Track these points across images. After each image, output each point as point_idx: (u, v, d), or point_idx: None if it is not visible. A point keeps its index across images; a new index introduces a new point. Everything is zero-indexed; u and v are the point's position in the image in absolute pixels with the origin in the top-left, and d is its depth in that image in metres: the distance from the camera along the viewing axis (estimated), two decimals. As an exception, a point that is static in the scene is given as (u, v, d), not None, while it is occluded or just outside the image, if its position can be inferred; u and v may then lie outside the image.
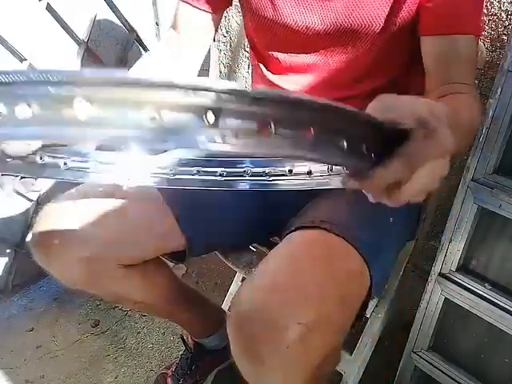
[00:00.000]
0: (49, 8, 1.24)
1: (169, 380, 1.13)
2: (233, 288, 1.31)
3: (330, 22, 0.75)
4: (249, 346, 0.56)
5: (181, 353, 1.17)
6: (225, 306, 1.29)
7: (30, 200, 1.38)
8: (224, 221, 0.87)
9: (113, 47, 1.44)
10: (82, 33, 1.32)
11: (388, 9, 0.70)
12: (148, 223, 0.80)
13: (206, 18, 0.87)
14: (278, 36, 0.81)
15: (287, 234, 0.68)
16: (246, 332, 0.56)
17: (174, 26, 0.90)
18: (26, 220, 1.38)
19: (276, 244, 0.98)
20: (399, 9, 0.70)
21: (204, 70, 1.54)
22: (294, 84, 0.84)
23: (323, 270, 0.59)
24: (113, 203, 0.76)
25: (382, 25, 0.71)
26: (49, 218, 0.75)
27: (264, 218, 0.91)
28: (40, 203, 1.38)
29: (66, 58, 1.33)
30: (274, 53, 0.84)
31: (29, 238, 0.76)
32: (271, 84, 0.87)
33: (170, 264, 0.94)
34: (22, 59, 1.23)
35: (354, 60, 0.77)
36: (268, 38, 0.83)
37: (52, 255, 0.75)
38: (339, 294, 0.58)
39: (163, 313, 1.05)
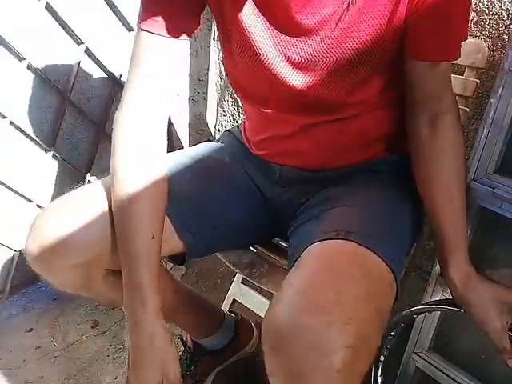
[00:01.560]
0: (48, 7, 1.24)
1: (168, 380, 1.12)
2: (233, 288, 1.31)
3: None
4: (290, 368, 0.54)
5: (180, 353, 1.17)
6: (224, 306, 1.29)
7: (30, 201, 1.38)
8: (224, 223, 0.87)
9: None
10: (81, 34, 1.32)
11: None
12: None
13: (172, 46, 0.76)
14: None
15: (308, 244, 0.66)
16: (287, 353, 0.54)
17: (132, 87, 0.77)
18: (25, 219, 1.38)
19: (276, 245, 0.99)
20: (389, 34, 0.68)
21: (204, 70, 1.54)
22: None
23: (363, 287, 0.58)
24: (106, 208, 0.75)
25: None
26: (41, 226, 0.75)
27: (265, 219, 0.91)
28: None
29: (65, 57, 1.33)
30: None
31: (24, 245, 0.77)
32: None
33: (170, 264, 0.94)
34: (20, 59, 1.23)
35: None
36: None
37: (45, 263, 0.75)
38: (377, 313, 0.58)
39: None
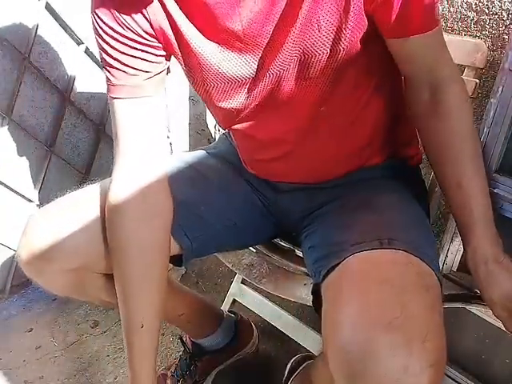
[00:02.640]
0: (48, 7, 1.24)
1: (168, 381, 1.12)
2: (233, 288, 1.31)
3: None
4: None
5: (180, 353, 1.17)
6: (224, 306, 1.29)
7: (30, 201, 1.38)
8: (220, 227, 0.86)
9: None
10: (81, 34, 1.32)
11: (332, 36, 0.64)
12: None
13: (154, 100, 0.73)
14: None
15: (345, 254, 0.62)
16: (368, 380, 0.50)
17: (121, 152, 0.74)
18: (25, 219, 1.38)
19: (276, 245, 0.99)
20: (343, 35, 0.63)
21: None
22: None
23: (426, 298, 0.56)
24: (97, 214, 0.75)
25: (327, 53, 0.65)
26: (32, 232, 0.75)
27: (263, 221, 0.90)
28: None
29: (65, 57, 1.33)
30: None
31: (16, 250, 0.77)
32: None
33: (169, 265, 0.93)
34: (20, 58, 1.23)
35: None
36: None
37: (36, 268, 0.76)
38: (442, 321, 0.56)
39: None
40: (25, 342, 1.32)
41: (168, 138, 1.69)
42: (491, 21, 0.90)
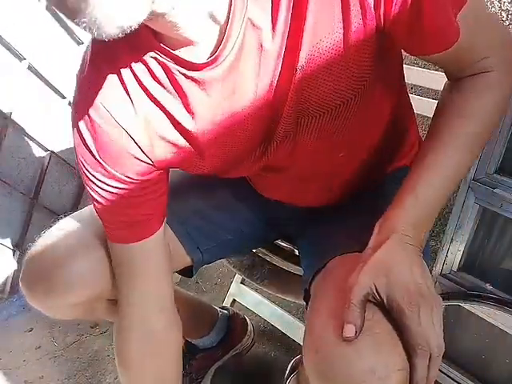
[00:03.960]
0: (49, 8, 1.24)
1: (167, 381, 1.12)
2: (233, 288, 1.31)
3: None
4: None
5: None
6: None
7: (31, 199, 1.38)
8: (230, 235, 0.86)
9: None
10: (82, 35, 1.32)
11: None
12: None
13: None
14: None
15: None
16: (337, 381, 0.50)
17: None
18: (25, 220, 1.38)
19: (277, 246, 0.99)
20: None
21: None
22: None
23: None
24: (97, 240, 0.72)
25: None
26: (35, 264, 0.72)
27: (268, 225, 0.90)
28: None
29: (66, 58, 1.33)
30: None
31: (20, 281, 0.75)
32: None
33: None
34: (21, 59, 1.23)
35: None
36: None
37: (43, 303, 0.74)
38: None
39: None
40: (25, 342, 1.32)
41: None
42: (491, 21, 0.90)
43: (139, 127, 0.60)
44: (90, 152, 0.62)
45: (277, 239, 0.98)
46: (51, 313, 0.77)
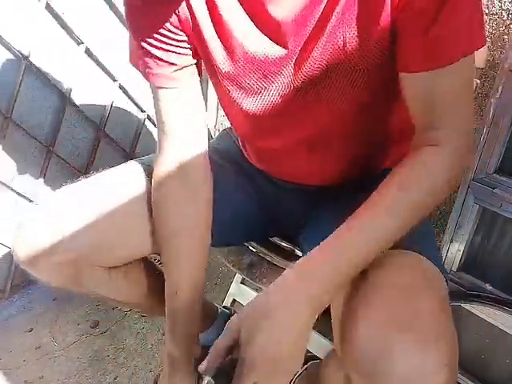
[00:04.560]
0: (48, 7, 1.24)
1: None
2: (232, 288, 1.31)
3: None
4: None
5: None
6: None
7: (30, 200, 1.38)
8: (221, 222, 0.86)
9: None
10: (82, 33, 1.32)
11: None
12: (132, 225, 0.78)
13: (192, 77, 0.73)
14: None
15: None
16: (384, 378, 0.50)
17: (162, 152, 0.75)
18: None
19: (276, 245, 0.99)
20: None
21: (204, 70, 1.54)
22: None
23: (437, 300, 0.55)
24: (92, 206, 0.75)
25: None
26: (27, 224, 0.75)
27: (264, 217, 0.90)
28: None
29: (66, 57, 1.33)
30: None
31: (12, 243, 0.77)
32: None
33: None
34: (20, 58, 1.23)
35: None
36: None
37: (32, 261, 0.75)
38: (452, 322, 0.55)
39: (150, 311, 1.04)
40: (25, 342, 1.32)
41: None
42: (491, 21, 0.90)
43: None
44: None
45: (274, 236, 0.98)
46: (39, 271, 0.78)
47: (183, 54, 0.70)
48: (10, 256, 1.39)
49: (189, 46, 0.70)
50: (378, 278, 0.58)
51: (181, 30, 0.68)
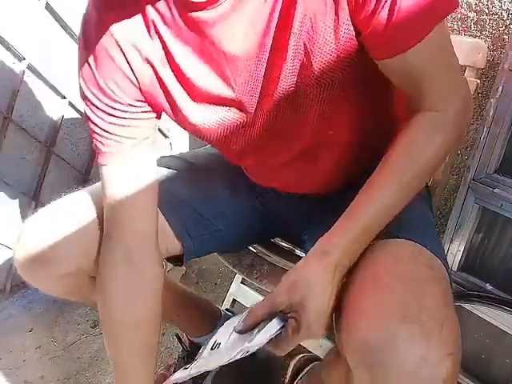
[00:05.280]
0: (48, 7, 1.24)
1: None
2: (233, 288, 1.31)
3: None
4: (393, 382, 0.50)
5: (178, 352, 1.17)
6: (224, 307, 1.29)
7: (30, 200, 1.38)
8: (222, 226, 0.86)
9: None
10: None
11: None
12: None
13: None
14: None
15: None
16: (387, 369, 0.50)
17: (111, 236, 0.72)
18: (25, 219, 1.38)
19: (277, 245, 0.99)
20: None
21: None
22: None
23: (439, 290, 0.56)
24: (90, 219, 0.75)
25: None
26: (27, 237, 0.75)
27: (264, 220, 0.90)
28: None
29: (65, 57, 1.33)
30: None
31: (12, 254, 0.77)
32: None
33: (169, 265, 0.94)
34: (20, 58, 1.23)
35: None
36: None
37: (31, 273, 0.76)
38: (455, 312, 0.55)
39: None
40: (25, 342, 1.32)
41: (168, 137, 1.69)
42: (491, 21, 0.90)
43: (134, 52, 0.63)
44: (93, 73, 0.64)
45: (275, 237, 0.98)
46: (38, 283, 0.78)
47: (144, 127, 0.69)
48: (9, 256, 1.39)
49: (152, 115, 0.70)
50: (379, 268, 0.58)
51: (141, 102, 0.67)
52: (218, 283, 1.50)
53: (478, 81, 0.84)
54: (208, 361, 0.62)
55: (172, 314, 1.03)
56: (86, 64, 0.64)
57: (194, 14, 0.57)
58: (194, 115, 0.68)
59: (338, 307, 0.60)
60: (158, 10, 0.60)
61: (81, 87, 0.67)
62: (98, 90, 0.65)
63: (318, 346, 1.10)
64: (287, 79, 0.61)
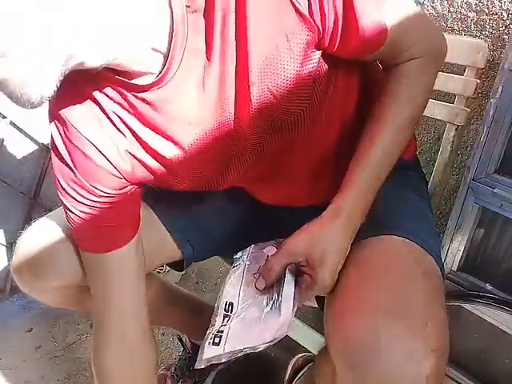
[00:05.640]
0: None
1: (168, 381, 1.12)
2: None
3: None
4: (377, 379, 0.49)
5: (179, 354, 1.17)
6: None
7: (30, 198, 1.38)
8: (222, 232, 0.86)
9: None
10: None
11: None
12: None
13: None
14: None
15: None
16: (370, 365, 0.49)
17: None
18: (25, 219, 1.38)
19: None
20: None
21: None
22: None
23: (427, 286, 0.56)
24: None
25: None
26: (24, 249, 0.75)
27: (262, 225, 0.90)
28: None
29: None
30: None
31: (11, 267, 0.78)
32: None
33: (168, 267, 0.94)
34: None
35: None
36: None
37: (30, 286, 0.76)
38: (444, 310, 0.55)
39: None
40: (25, 342, 1.32)
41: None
42: (491, 21, 0.90)
43: (108, 145, 0.62)
44: (68, 166, 0.63)
45: (274, 238, 0.97)
46: (37, 295, 0.79)
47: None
48: (9, 256, 1.39)
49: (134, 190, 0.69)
50: (366, 265, 0.59)
51: (126, 187, 0.66)
52: (218, 283, 1.50)
53: (478, 81, 0.84)
54: (238, 333, 0.60)
55: (173, 317, 1.03)
56: (63, 165, 0.64)
57: (143, 95, 0.58)
58: (179, 182, 0.67)
59: (326, 306, 0.60)
60: (112, 99, 0.60)
61: (59, 183, 0.65)
62: (81, 188, 0.64)
63: (316, 344, 1.10)
64: (254, 120, 0.61)
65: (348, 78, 0.67)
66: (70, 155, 0.63)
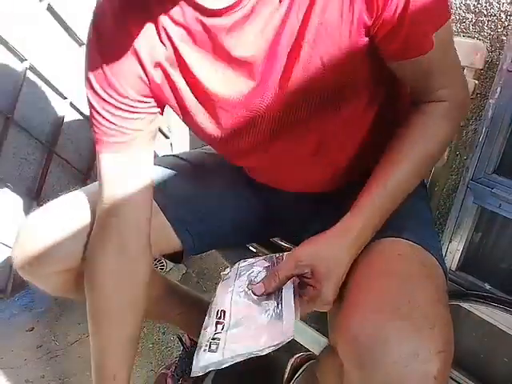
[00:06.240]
0: (49, 8, 1.24)
1: (169, 380, 1.13)
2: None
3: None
4: (383, 381, 0.50)
5: (179, 352, 1.17)
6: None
7: (31, 200, 1.38)
8: (222, 222, 0.87)
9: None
10: (83, 36, 1.32)
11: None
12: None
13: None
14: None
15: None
16: (378, 366, 0.50)
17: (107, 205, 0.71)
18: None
19: (276, 245, 0.99)
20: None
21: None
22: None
23: (432, 288, 0.56)
24: (88, 216, 0.75)
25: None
26: (25, 234, 0.76)
27: (265, 218, 0.91)
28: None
29: (67, 58, 1.33)
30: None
31: (11, 253, 0.78)
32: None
33: (170, 264, 0.94)
34: (22, 59, 1.24)
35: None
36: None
37: (30, 271, 0.76)
38: (447, 311, 0.56)
39: (150, 315, 1.05)
40: (26, 341, 1.33)
41: (168, 138, 1.69)
42: (490, 22, 0.91)
43: (144, 45, 0.63)
44: (104, 69, 0.65)
45: (275, 235, 0.98)
46: (38, 281, 0.79)
47: (148, 120, 0.70)
48: (10, 256, 1.40)
49: (157, 110, 0.70)
50: (373, 267, 0.60)
51: (150, 97, 0.68)
52: (219, 283, 1.50)
53: (477, 81, 0.85)
54: (237, 339, 0.60)
55: (173, 313, 1.03)
56: (98, 59, 0.65)
57: (210, 21, 0.58)
58: (201, 118, 0.68)
59: (333, 306, 0.61)
60: (170, 16, 0.60)
61: (89, 80, 0.66)
62: (108, 85, 0.65)
63: (315, 344, 1.11)
64: (299, 81, 0.62)
65: (384, 80, 0.68)
66: (106, 51, 0.64)
